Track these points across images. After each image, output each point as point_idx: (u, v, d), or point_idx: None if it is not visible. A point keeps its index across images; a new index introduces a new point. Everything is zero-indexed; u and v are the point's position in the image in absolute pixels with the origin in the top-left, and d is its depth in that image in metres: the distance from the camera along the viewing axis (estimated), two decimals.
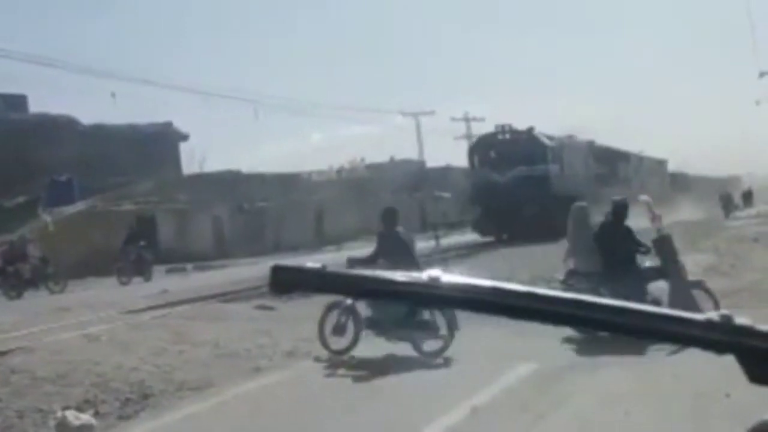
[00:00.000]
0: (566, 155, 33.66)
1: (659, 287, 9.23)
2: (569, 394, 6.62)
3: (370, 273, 0.93)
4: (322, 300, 9.36)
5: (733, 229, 26.93)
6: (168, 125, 40.07)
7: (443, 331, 8.53)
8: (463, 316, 8.02)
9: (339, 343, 8.89)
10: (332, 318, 8.92)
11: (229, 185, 35.40)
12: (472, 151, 34.89)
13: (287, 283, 0.95)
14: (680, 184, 55.44)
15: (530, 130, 32.60)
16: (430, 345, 8.59)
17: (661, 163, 55.06)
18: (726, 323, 0.83)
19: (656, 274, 9.49)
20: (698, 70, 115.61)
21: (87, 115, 39.02)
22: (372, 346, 8.80)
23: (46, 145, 31.26)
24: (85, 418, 6.52)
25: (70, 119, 36.35)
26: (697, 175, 63.62)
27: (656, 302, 8.46)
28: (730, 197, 43.68)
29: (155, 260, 24.47)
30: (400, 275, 0.89)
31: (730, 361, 0.83)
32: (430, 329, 8.65)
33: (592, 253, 9.81)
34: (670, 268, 9.46)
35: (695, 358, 1.08)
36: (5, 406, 6.97)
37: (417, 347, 8.60)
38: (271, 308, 12.95)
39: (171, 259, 28.22)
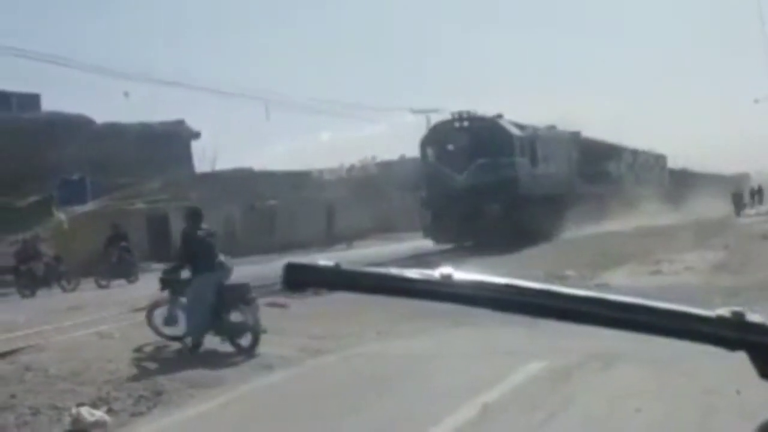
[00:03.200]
0: (541, 148, 29.09)
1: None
2: (580, 392, 6.61)
3: (383, 271, 0.94)
4: (334, 297, 9.39)
5: (743, 226, 26.79)
6: (180, 124, 40.13)
7: (253, 328, 9.06)
8: (473, 313, 8.02)
9: (174, 331, 9.52)
10: (162, 311, 9.66)
11: (241, 183, 35.49)
12: (425, 142, 28.87)
13: (301, 280, 0.96)
14: (684, 181, 50.95)
15: (497, 117, 28.15)
16: (244, 340, 9.08)
17: (659, 159, 49.92)
18: (737, 320, 0.84)
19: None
20: (699, 67, 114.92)
21: (100, 114, 39.15)
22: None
23: (59, 144, 31.37)
24: (99, 414, 6.57)
25: (83, 118, 36.47)
26: (703, 172, 60.33)
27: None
28: (741, 195, 43.47)
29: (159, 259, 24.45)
30: (413, 273, 0.90)
31: (740, 357, 0.84)
32: (242, 326, 9.17)
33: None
34: None
35: (706, 354, 1.08)
36: (20, 403, 7.02)
37: (232, 342, 9.10)
38: (282, 306, 12.98)
39: None
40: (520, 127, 28.50)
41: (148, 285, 17.94)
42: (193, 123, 41.02)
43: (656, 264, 16.52)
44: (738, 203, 40.68)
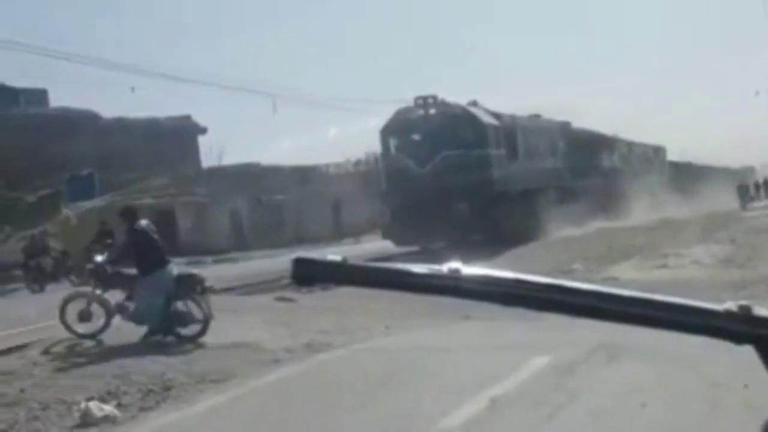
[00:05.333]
0: (523, 138, 26.52)
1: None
2: (586, 386, 6.61)
3: (391, 266, 0.94)
4: (342, 292, 9.44)
5: (750, 220, 26.67)
6: (187, 119, 40.22)
7: (199, 318, 9.19)
8: (479, 308, 8.03)
9: (86, 328, 9.55)
10: (76, 306, 9.64)
11: (248, 178, 35.54)
12: (386, 131, 25.59)
13: (309, 275, 0.97)
14: (686, 174, 49.14)
15: (470, 104, 25.50)
16: (189, 330, 9.24)
17: (658, 151, 47.31)
18: (745, 314, 0.84)
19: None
20: (701, 60, 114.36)
21: (107, 110, 39.22)
22: (128, 331, 9.39)
23: (67, 139, 31.47)
24: (108, 409, 6.60)
25: (91, 113, 36.58)
26: (706, 165, 58.92)
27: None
28: (747, 188, 43.29)
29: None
30: (420, 267, 0.91)
31: (748, 351, 0.84)
32: (186, 317, 9.29)
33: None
34: None
35: (712, 348, 1.08)
36: (29, 398, 7.06)
37: (173, 333, 9.23)
38: (290, 300, 13.03)
39: (190, 252, 28.38)
40: (497, 115, 25.74)
41: None
42: (199, 118, 41.14)
43: (663, 258, 16.49)
44: (744, 196, 40.51)
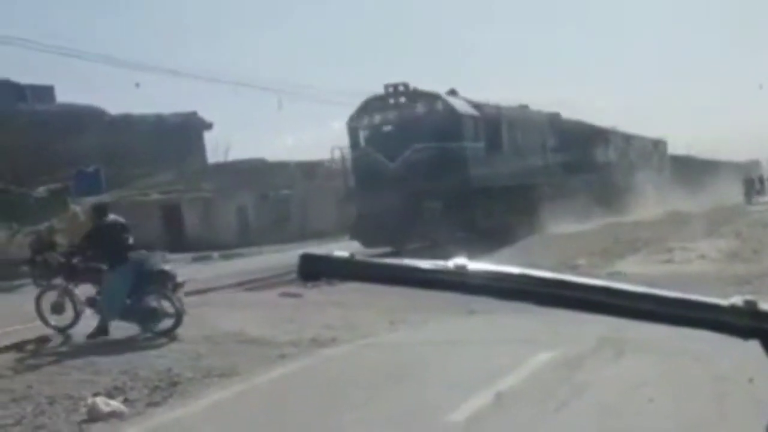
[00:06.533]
0: (507, 130, 24.56)
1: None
2: (592, 381, 6.61)
3: (397, 261, 0.95)
4: (347, 287, 9.44)
5: (755, 214, 26.57)
6: (192, 115, 40.30)
7: (171, 313, 9.43)
8: (484, 302, 8.04)
9: (59, 320, 9.77)
10: (50, 297, 9.88)
11: (253, 174, 35.58)
12: (353, 121, 23.46)
13: (315, 271, 0.97)
14: (690, 168, 47.57)
15: (449, 93, 23.61)
16: (162, 325, 9.45)
17: (658, 144, 44.85)
18: (750, 309, 0.84)
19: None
20: (704, 54, 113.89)
21: (113, 106, 39.32)
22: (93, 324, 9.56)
23: (73, 135, 31.55)
24: (115, 404, 6.62)
25: (97, 110, 36.68)
26: (710, 159, 57.63)
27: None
28: (753, 182, 43.13)
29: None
30: (426, 263, 0.91)
31: (753, 346, 0.84)
32: (158, 312, 9.49)
33: None
34: None
35: (718, 343, 1.08)
36: (36, 393, 7.09)
37: (146, 327, 9.42)
38: (296, 295, 13.04)
39: (196, 248, 28.48)
40: (477, 105, 23.82)
41: None
42: (205, 114, 41.21)
43: (668, 252, 16.45)
44: (749, 190, 40.34)
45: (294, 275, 9.41)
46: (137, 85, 32.86)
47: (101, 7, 73.70)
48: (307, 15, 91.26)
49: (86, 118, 34.67)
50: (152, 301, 9.53)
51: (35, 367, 8.17)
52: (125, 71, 56.80)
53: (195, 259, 26.26)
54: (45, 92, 36.38)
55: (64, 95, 37.71)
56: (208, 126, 41.56)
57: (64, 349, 9.20)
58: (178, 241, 30.68)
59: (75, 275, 9.88)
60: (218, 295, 14.32)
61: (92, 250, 9.84)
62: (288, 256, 14.48)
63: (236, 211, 34.95)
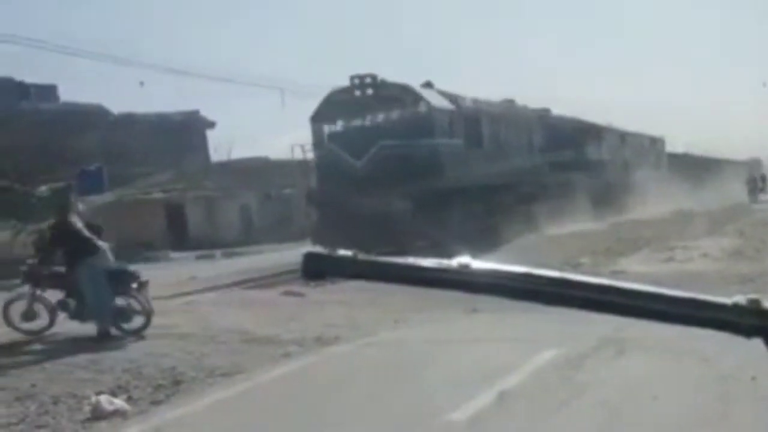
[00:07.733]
0: (489, 127, 22.92)
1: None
2: (594, 380, 6.61)
3: (400, 260, 0.95)
4: (350, 286, 9.44)
5: (759, 212, 26.51)
6: (195, 113, 40.32)
7: (139, 310, 9.43)
8: (487, 300, 8.03)
9: (32, 326, 9.64)
10: (19, 307, 9.70)
11: (256, 172, 35.58)
12: (316, 117, 21.78)
13: (319, 269, 0.97)
14: (689, 166, 46.08)
15: (424, 85, 21.77)
16: (132, 324, 9.43)
17: (655, 142, 43.05)
18: (754, 307, 0.84)
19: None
20: (705, 51, 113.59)
21: (116, 105, 39.38)
22: (74, 327, 9.51)
23: (76, 134, 31.59)
24: (119, 403, 6.63)
25: (100, 108, 36.70)
26: (712, 157, 56.43)
27: None
28: (755, 180, 43.01)
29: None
30: (430, 262, 0.91)
31: (755, 344, 0.84)
32: (127, 311, 9.47)
33: None
34: None
35: (721, 341, 1.09)
36: (40, 392, 7.10)
37: (118, 327, 9.36)
38: (299, 294, 13.05)
39: (199, 246, 28.50)
40: (453, 98, 22.01)
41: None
42: (208, 113, 41.21)
43: (671, 251, 16.41)
44: (753, 189, 40.22)
45: (297, 274, 9.41)
46: (142, 83, 32.93)
47: (104, 6, 73.79)
48: (308, 13, 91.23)
49: (89, 116, 34.70)
50: (120, 301, 9.50)
51: (39, 366, 8.17)
52: (128, 70, 56.84)
53: (198, 258, 26.31)
54: (48, 91, 36.41)
55: (67, 94, 37.73)
56: (211, 125, 41.58)
57: (68, 347, 9.19)
58: (181, 240, 30.76)
59: (42, 282, 9.71)
60: (221, 293, 14.33)
61: (56, 252, 9.69)
62: (291, 254, 14.48)
63: (239, 210, 34.98)
